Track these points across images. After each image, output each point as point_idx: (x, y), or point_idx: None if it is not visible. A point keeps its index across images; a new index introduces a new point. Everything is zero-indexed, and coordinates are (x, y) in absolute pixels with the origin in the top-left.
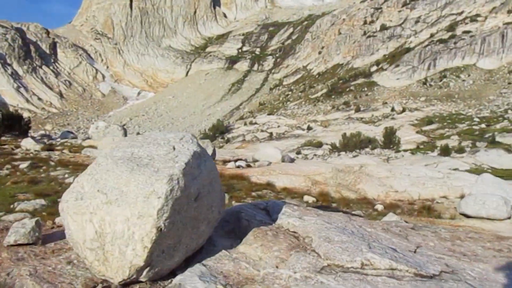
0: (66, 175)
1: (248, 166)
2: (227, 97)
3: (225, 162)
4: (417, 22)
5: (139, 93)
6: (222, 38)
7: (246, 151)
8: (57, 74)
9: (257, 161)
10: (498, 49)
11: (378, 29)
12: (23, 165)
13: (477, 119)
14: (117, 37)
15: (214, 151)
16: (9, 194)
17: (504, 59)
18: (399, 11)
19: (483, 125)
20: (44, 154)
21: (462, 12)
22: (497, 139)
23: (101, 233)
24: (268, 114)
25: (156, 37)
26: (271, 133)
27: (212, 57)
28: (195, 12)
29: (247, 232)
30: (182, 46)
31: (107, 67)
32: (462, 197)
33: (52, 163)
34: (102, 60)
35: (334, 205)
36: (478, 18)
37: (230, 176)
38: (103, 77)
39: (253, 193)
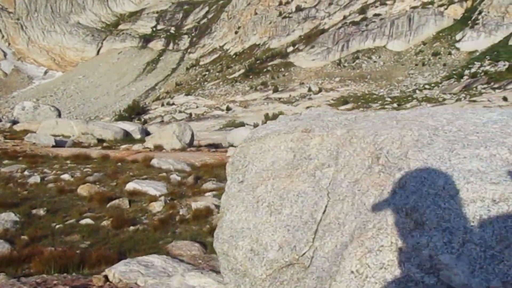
0: (26, 172)
1: None
2: (142, 77)
3: (200, 148)
4: (330, 4)
5: (46, 72)
6: (135, 15)
7: (209, 134)
8: None
9: (232, 146)
10: (405, 32)
11: (294, 10)
12: None
13: (388, 99)
14: (19, 12)
15: (192, 135)
16: None
17: (411, 42)
18: None
19: (394, 105)
20: None
21: None
22: None
23: None
24: (186, 95)
25: (63, 13)
26: (190, 114)
27: (125, 35)
28: None
29: None
30: (92, 23)
31: (9, 44)
32: None
33: None
34: (3, 36)
35: None
36: (387, 2)
37: None
38: (5, 55)
39: None
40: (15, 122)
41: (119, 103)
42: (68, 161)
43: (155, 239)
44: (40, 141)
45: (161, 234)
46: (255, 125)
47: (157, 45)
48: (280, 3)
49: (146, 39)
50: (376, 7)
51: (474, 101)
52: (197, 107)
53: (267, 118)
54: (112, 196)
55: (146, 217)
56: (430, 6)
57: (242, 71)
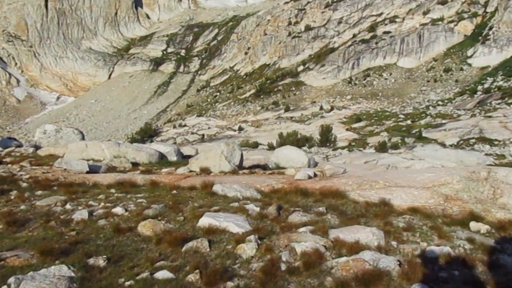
0: (68, 206)
1: (315, 175)
2: (153, 100)
3: (251, 169)
4: (339, 23)
5: (58, 98)
6: (145, 39)
7: (247, 154)
8: None
9: (281, 167)
10: (416, 48)
11: (303, 29)
12: None
13: (402, 116)
14: (32, 39)
15: (242, 156)
16: None
17: (422, 58)
18: (322, 12)
19: (408, 122)
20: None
21: (381, 14)
22: (424, 134)
23: None
24: (197, 116)
25: (75, 39)
26: (202, 135)
27: (136, 59)
28: (116, 13)
29: None
30: (104, 48)
31: (22, 71)
32: None
33: (25, 184)
34: (16, 64)
35: None
36: (397, 20)
37: (321, 193)
38: (18, 81)
39: (394, 221)
40: (37, 147)
41: (131, 126)
42: (112, 190)
43: None
44: (72, 166)
45: None
46: (269, 145)
47: (168, 68)
48: (289, 23)
49: (156, 62)
50: (386, 24)
51: (490, 116)
52: (208, 128)
53: (281, 137)
54: (185, 236)
55: (240, 266)
56: (439, 22)
57: (253, 91)
